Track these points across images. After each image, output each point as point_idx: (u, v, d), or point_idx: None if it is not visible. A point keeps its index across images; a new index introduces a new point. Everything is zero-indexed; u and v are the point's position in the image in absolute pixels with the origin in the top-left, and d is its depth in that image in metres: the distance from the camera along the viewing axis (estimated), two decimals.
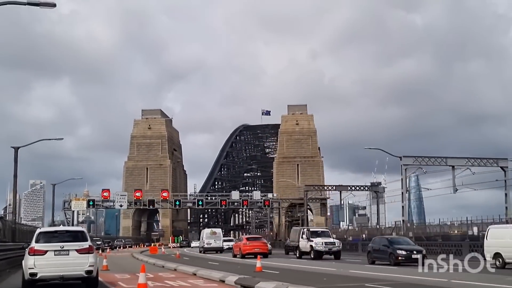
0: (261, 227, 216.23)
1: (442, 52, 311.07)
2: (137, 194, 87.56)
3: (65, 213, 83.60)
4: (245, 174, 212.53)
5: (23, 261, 19.43)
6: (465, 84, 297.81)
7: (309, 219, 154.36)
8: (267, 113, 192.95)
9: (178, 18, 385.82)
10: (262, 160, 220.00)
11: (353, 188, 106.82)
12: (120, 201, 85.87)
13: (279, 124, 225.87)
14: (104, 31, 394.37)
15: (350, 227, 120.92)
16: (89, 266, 18.95)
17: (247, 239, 52.77)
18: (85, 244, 19.24)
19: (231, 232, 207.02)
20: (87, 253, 19.09)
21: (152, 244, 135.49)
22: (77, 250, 18.95)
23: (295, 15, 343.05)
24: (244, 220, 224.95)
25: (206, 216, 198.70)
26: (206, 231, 70.85)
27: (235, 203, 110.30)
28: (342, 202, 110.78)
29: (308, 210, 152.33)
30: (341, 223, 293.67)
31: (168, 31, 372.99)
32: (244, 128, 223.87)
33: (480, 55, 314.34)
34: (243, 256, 48.08)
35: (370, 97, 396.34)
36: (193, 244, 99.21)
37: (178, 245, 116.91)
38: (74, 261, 18.79)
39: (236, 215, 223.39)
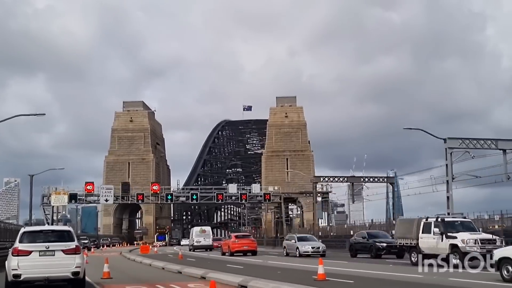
0: (247, 224, 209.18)
1: (419, 50, 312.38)
2: (124, 187, 78.62)
3: (43, 209, 75.10)
4: (228, 170, 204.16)
5: (6, 262, 18.57)
6: (441, 82, 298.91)
7: (295, 217, 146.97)
8: (249, 108, 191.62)
9: (155, 15, 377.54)
10: (245, 156, 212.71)
11: (367, 179, 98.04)
12: (105, 195, 77.58)
13: (262, 120, 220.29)
14: (80, 27, 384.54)
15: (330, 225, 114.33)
16: (76, 267, 18.32)
17: (236, 236, 53.12)
18: (72, 244, 18.62)
19: (215, 230, 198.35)
20: (74, 254, 18.45)
21: (137, 242, 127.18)
22: (63, 251, 18.32)
23: (273, 12, 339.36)
24: (227, 217, 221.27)
25: (189, 214, 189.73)
26: (195, 229, 71.72)
27: (233, 197, 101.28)
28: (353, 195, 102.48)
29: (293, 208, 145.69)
30: (320, 220, 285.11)
31: (145, 28, 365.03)
32: (226, 124, 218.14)
33: (456, 53, 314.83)
34: (231, 254, 48.51)
35: (348, 94, 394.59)
36: (183, 242, 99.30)
37: (164, 243, 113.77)
38: (60, 262, 18.12)
39: (219, 212, 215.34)
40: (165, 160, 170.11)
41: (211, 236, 71.31)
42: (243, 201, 70.99)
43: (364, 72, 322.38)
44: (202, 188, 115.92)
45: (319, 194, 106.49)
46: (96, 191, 78.29)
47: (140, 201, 73.32)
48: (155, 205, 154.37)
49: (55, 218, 73.58)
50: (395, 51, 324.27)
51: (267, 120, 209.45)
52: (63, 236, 19.07)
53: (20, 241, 18.53)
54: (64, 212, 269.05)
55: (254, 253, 49.02)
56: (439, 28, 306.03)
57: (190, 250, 66.95)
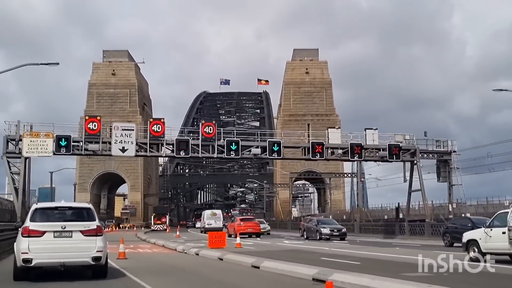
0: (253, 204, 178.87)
1: (386, 36, 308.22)
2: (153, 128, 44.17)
3: (8, 162, 41.97)
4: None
5: (14, 244, 16.13)
6: (407, 68, 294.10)
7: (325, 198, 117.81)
8: (226, 82, 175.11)
9: None
10: (239, 127, 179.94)
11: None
12: (122, 140, 43.35)
13: (248, 92, 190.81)
14: (42, 2, 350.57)
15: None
16: (97, 251, 15.69)
17: (241, 219, 56.80)
18: (92, 225, 15.97)
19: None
20: (95, 235, 15.78)
21: (123, 225, 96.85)
22: (82, 232, 15.67)
23: None
24: (211, 198, 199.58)
25: (174, 192, 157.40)
26: (207, 213, 75.51)
27: (338, 150, 66.01)
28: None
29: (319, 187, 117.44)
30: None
31: (108, 5, 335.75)
32: (207, 95, 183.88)
33: (423, 40, 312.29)
34: (236, 236, 45.87)
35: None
36: (198, 225, 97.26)
37: (164, 226, 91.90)
38: (78, 245, 15.52)
39: (202, 192, 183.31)
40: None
41: (222, 219, 73.10)
42: (356, 156, 37.54)
43: (330, 56, 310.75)
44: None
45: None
46: (104, 135, 44.93)
47: (183, 152, 39.23)
48: (144, 179, 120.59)
49: (17, 184, 40.18)
50: (362, 37, 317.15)
51: (255, 92, 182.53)
52: (82, 215, 16.36)
53: (32, 220, 15.75)
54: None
55: (258, 235, 52.33)
56: (406, 14, 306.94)
57: (201, 232, 70.21)
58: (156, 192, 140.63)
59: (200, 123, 46.45)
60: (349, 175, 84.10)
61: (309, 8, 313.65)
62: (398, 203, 55.43)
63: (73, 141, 43.92)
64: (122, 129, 44.48)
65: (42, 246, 15.18)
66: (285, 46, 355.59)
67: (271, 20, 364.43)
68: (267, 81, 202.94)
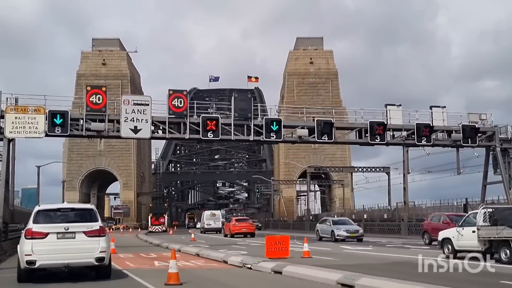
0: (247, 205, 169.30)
1: (372, 35, 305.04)
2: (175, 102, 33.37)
3: None
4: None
5: (18, 246, 16.00)
6: (392, 68, 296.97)
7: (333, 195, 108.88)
8: (215, 79, 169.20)
9: None
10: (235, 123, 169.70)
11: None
12: (134, 118, 32.96)
13: (240, 89, 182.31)
14: (26, 1, 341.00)
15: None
16: (101, 252, 15.61)
17: (236, 220, 57.13)
18: (95, 225, 15.87)
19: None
20: (98, 236, 15.73)
21: (116, 227, 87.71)
22: (85, 233, 15.59)
23: None
24: (203, 197, 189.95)
25: (167, 191, 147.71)
26: (206, 213, 75.27)
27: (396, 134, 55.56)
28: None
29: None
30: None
31: (93, 4, 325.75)
32: (197, 91, 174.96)
33: (408, 40, 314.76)
34: (232, 236, 51.90)
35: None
36: (198, 225, 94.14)
37: (163, 227, 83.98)
38: (81, 246, 15.43)
39: (193, 191, 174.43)
40: None
41: (221, 220, 71.62)
42: (423, 139, 26.75)
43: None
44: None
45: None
46: (110, 110, 34.28)
47: (211, 134, 28.75)
48: (137, 177, 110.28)
49: None
50: (348, 36, 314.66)
51: (247, 89, 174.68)
52: (84, 216, 16.32)
53: (35, 221, 15.73)
54: None
55: (252, 235, 52.70)
56: (392, 14, 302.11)
57: (201, 232, 70.02)
58: (149, 191, 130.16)
59: (233, 96, 36.44)
60: (380, 169, 74.15)
61: (294, 8, 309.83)
62: (466, 198, 45.79)
63: (72, 119, 33.58)
64: (134, 103, 34.13)
65: (45, 248, 15.06)
66: (270, 45, 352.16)
67: (257, 19, 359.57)
68: (257, 78, 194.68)
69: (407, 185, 49.11)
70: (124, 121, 33.96)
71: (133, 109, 34.05)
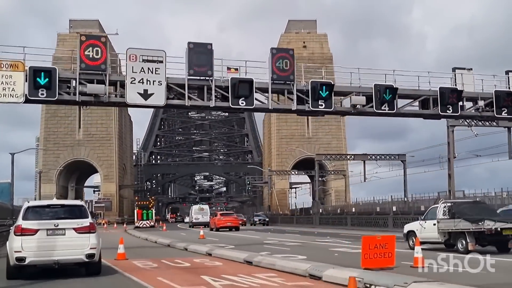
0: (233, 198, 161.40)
1: (348, 29, 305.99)
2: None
3: None
4: (195, 131, 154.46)
5: (7, 243, 16.18)
6: (368, 63, 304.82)
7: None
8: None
9: None
10: (217, 115, 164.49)
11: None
12: (144, 77, 26.53)
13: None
14: None
15: None
16: (91, 248, 15.41)
17: (221, 214, 59.19)
18: (85, 222, 15.69)
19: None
20: (88, 233, 15.52)
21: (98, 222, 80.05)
22: (75, 229, 15.35)
23: None
24: (183, 191, 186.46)
25: (150, 184, 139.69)
26: (195, 208, 76.07)
27: None
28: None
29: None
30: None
31: None
32: None
33: (384, 35, 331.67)
34: (217, 229, 52.99)
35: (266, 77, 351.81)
36: (186, 219, 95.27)
37: (151, 222, 76.89)
38: (71, 243, 15.22)
39: (172, 185, 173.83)
40: (126, 109, 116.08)
41: (209, 214, 71.39)
42: (503, 110, 18.23)
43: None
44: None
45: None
46: (106, 64, 25.42)
47: (243, 101, 19.86)
48: (119, 169, 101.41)
49: None
50: (325, 31, 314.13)
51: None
52: (74, 212, 16.03)
53: (24, 218, 15.47)
54: None
55: (237, 228, 53.99)
56: (368, 8, 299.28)
57: (190, 226, 71.25)
58: (131, 184, 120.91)
59: (271, 52, 27.88)
60: (395, 156, 66.53)
61: (271, 3, 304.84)
62: None
63: (61, 79, 24.66)
64: (143, 60, 25.46)
65: (35, 245, 14.94)
66: (247, 39, 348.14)
67: (234, 13, 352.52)
68: (236, 69, 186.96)
69: (453, 172, 41.56)
70: (131, 82, 25.01)
71: (142, 68, 25.25)
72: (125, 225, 79.63)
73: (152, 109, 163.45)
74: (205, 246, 25.28)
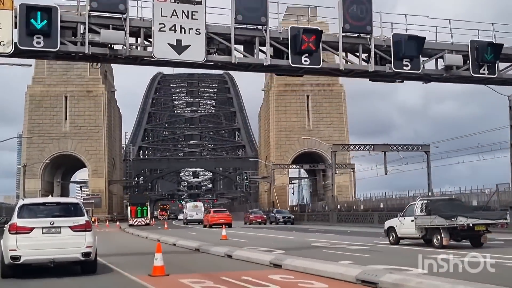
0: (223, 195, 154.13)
1: (330, 26, 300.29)
2: None
3: None
4: (184, 125, 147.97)
5: (1, 241, 15.40)
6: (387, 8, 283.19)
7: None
8: None
9: None
10: (206, 110, 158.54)
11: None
12: (177, 23, 18.78)
13: (207, 74, 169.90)
14: None
15: None
16: (87, 246, 14.96)
17: (214, 211, 60.37)
18: (81, 220, 15.25)
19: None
20: (84, 231, 15.09)
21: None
22: (70, 227, 14.95)
23: None
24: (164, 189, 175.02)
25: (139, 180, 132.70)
26: (189, 205, 76.40)
27: None
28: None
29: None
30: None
31: None
32: (163, 76, 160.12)
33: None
34: (210, 226, 53.89)
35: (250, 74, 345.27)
36: (180, 216, 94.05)
37: (146, 220, 69.97)
38: (67, 241, 14.81)
39: (160, 181, 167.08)
40: (115, 100, 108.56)
41: (203, 211, 69.92)
42: None
43: None
44: None
45: None
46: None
47: (306, 59, 12.80)
48: (108, 163, 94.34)
49: None
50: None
51: (216, 73, 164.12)
52: (69, 210, 15.57)
53: (19, 216, 15.04)
54: None
55: (229, 225, 52.48)
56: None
57: (184, 223, 71.51)
58: (121, 179, 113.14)
59: None
60: (418, 147, 59.86)
61: None
62: None
63: (64, 22, 17.83)
64: (176, 0, 18.49)
65: (30, 243, 14.53)
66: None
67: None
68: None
69: None
70: (159, 30, 18.16)
71: (175, 10, 18.40)
72: (118, 223, 72.57)
73: (140, 103, 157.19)
74: (263, 253, 18.61)
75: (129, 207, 73.96)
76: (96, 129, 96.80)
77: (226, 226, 52.20)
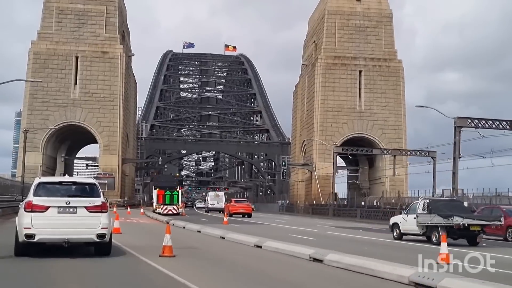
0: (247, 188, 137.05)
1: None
2: None
3: None
4: (200, 106, 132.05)
5: (16, 219, 15.11)
6: None
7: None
8: (190, 45, 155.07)
9: None
10: (223, 90, 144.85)
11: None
12: None
13: (221, 55, 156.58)
14: None
15: None
16: (102, 228, 14.49)
17: (235, 201, 60.94)
18: (97, 201, 14.80)
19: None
20: (100, 212, 14.62)
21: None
22: (86, 208, 14.47)
23: None
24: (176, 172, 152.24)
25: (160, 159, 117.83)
26: (210, 194, 74.69)
27: None
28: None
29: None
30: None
31: None
32: (174, 54, 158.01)
33: None
34: (230, 215, 50.99)
35: (260, 59, 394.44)
36: (198, 205, 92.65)
37: (179, 208, 54.76)
38: (82, 221, 14.39)
39: (168, 164, 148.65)
40: (131, 67, 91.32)
41: (224, 200, 68.70)
42: None
43: (282, 38, 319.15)
44: None
45: None
46: None
47: None
48: (123, 138, 77.55)
49: None
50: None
51: (230, 55, 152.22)
52: (86, 190, 15.17)
53: (35, 194, 14.54)
54: None
55: (249, 215, 53.81)
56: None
57: (205, 211, 70.84)
58: (134, 157, 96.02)
59: None
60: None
61: None
62: None
63: None
64: None
65: (45, 222, 14.07)
66: (238, 25, 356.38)
67: None
68: (234, 47, 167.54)
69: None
70: None
71: None
72: (142, 210, 55.91)
73: (151, 78, 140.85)
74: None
75: (155, 191, 57.40)
76: (111, 97, 79.87)
77: (246, 216, 53.17)
